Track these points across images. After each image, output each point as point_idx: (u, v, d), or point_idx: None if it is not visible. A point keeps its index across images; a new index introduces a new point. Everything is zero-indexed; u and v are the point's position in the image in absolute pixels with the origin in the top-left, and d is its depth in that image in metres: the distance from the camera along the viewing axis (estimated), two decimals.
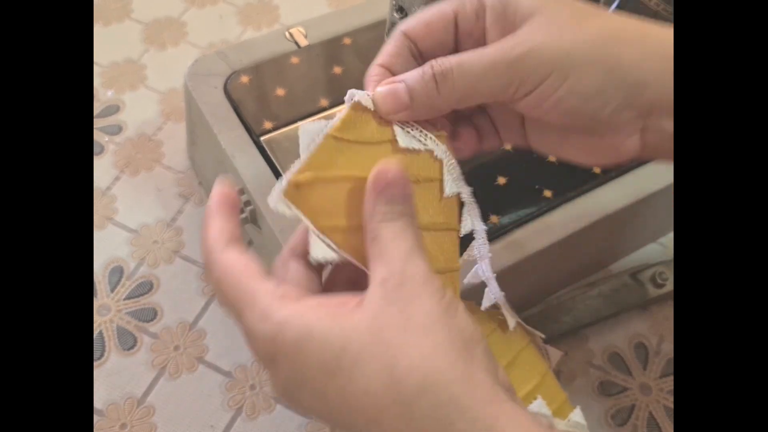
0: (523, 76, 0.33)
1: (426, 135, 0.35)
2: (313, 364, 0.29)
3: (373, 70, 0.36)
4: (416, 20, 0.36)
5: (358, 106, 0.34)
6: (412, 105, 0.34)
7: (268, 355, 0.30)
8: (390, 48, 0.36)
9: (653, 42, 0.34)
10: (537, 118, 0.36)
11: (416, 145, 0.35)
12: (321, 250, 0.32)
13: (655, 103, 0.34)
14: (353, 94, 0.35)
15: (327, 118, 0.36)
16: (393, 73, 0.36)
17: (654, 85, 0.34)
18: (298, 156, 0.33)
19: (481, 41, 0.36)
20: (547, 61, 0.33)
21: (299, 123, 0.54)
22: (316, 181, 0.32)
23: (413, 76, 0.34)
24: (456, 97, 0.34)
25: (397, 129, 0.35)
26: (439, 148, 0.36)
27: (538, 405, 0.44)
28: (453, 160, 0.36)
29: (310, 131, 0.33)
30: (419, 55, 0.36)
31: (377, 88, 0.35)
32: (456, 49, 0.36)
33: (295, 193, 0.32)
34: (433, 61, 0.34)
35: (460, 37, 0.36)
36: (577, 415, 0.42)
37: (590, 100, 0.34)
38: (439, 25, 0.36)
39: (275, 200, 0.32)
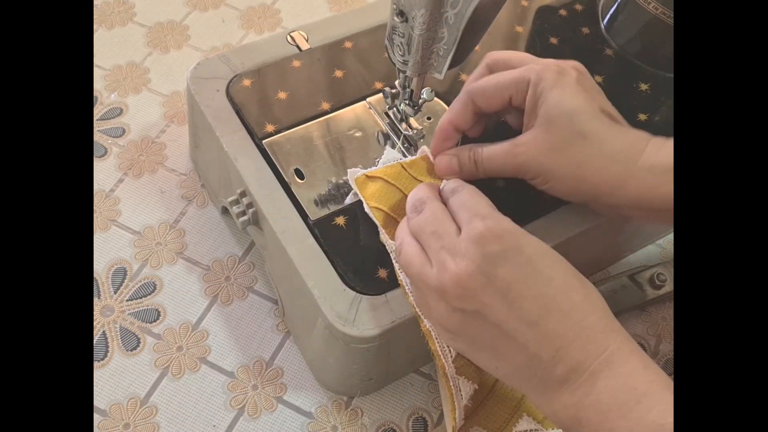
0: (522, 172, 0.49)
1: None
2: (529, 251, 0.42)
3: (443, 125, 0.50)
4: (481, 91, 0.49)
5: (426, 158, 0.52)
6: (460, 174, 0.50)
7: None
8: (457, 106, 0.50)
9: (620, 159, 0.47)
10: None
11: None
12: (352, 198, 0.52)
13: (620, 199, 0.47)
14: (424, 150, 0.52)
15: (404, 153, 0.54)
16: (457, 128, 0.50)
17: (616, 193, 0.47)
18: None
19: (528, 121, 0.49)
20: (536, 170, 0.48)
21: (301, 126, 0.55)
22: (377, 180, 0.50)
23: (462, 156, 0.50)
24: (487, 174, 0.50)
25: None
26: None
27: (527, 422, 0.46)
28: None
29: (392, 155, 0.52)
30: (479, 112, 0.50)
31: (438, 157, 0.51)
32: (506, 113, 0.51)
33: (363, 181, 0.50)
34: (473, 148, 0.50)
35: (512, 105, 0.49)
36: None
37: (567, 196, 0.50)
38: (496, 101, 0.49)
39: (351, 178, 0.50)
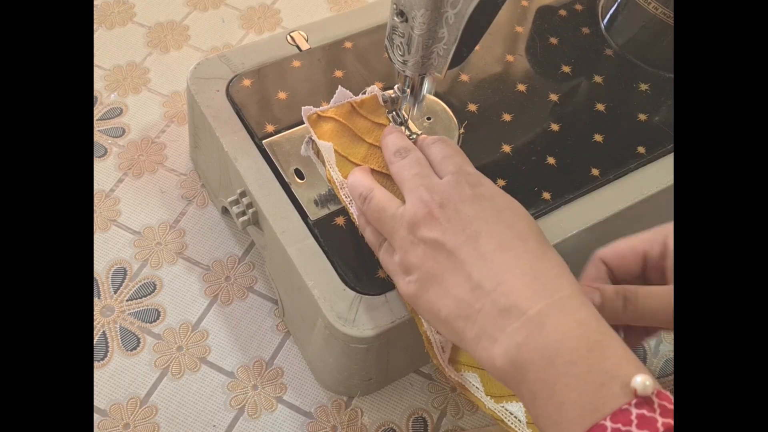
0: None
1: (410, 132, 0.52)
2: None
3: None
4: (612, 250, 0.45)
5: (375, 97, 0.53)
6: (601, 310, 0.40)
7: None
8: (590, 272, 0.45)
9: None
10: None
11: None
12: (305, 150, 0.53)
13: None
14: (374, 89, 0.53)
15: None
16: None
17: None
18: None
19: (664, 276, 0.44)
20: None
21: (301, 126, 0.55)
22: (329, 120, 0.52)
23: (608, 289, 0.43)
24: (633, 317, 0.42)
25: (390, 123, 0.53)
26: (413, 136, 0.52)
27: (517, 407, 0.46)
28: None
29: (344, 94, 0.52)
30: (613, 279, 0.45)
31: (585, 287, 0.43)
32: (643, 278, 0.45)
33: (316, 119, 0.52)
34: (625, 286, 0.43)
35: (647, 270, 0.45)
36: None
37: None
38: (631, 259, 0.45)
39: (304, 116, 0.51)
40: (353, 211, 0.50)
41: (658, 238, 0.45)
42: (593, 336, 0.36)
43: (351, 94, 0.54)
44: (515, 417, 0.46)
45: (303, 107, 0.52)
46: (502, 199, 0.43)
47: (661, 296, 0.42)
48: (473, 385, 0.46)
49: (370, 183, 0.47)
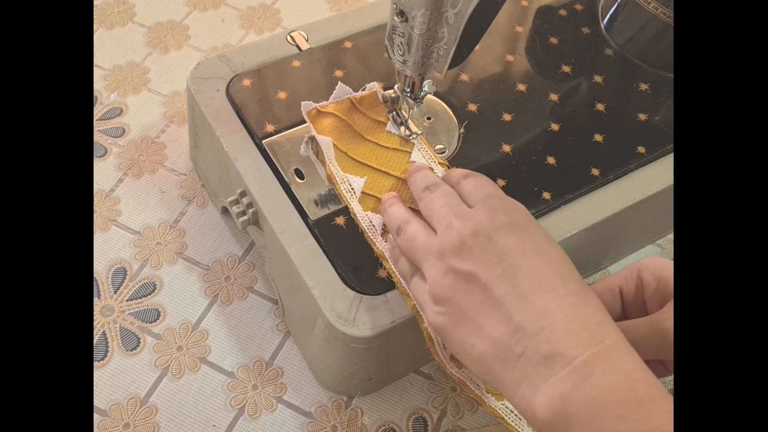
0: (667, 339, 0.41)
1: (409, 132, 0.54)
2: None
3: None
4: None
5: (374, 94, 0.54)
6: None
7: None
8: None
9: None
10: None
11: (395, 131, 0.54)
12: (304, 150, 0.53)
13: None
14: (374, 86, 0.55)
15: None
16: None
17: None
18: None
19: (644, 310, 0.44)
20: None
21: (301, 126, 0.55)
22: (329, 115, 0.53)
23: None
24: None
25: (390, 121, 0.54)
26: (412, 136, 0.54)
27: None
28: (422, 144, 0.53)
29: (344, 90, 0.54)
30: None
31: None
32: (623, 315, 0.45)
33: (315, 115, 0.53)
34: None
35: (626, 307, 0.45)
36: None
37: None
38: (608, 298, 0.45)
39: (304, 111, 0.53)
40: (354, 207, 0.50)
41: (632, 272, 0.45)
42: (642, 389, 0.35)
43: (351, 90, 0.54)
44: (516, 415, 0.46)
45: (303, 102, 0.52)
46: (537, 229, 0.42)
47: (638, 328, 0.42)
48: (474, 382, 0.47)
49: (408, 215, 0.46)
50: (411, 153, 0.53)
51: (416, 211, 0.49)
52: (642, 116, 0.59)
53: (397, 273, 0.47)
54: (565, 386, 0.35)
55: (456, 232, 0.41)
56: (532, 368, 0.37)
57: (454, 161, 0.55)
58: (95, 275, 0.58)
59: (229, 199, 0.54)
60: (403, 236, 0.45)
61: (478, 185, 0.44)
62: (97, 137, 0.66)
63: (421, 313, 0.46)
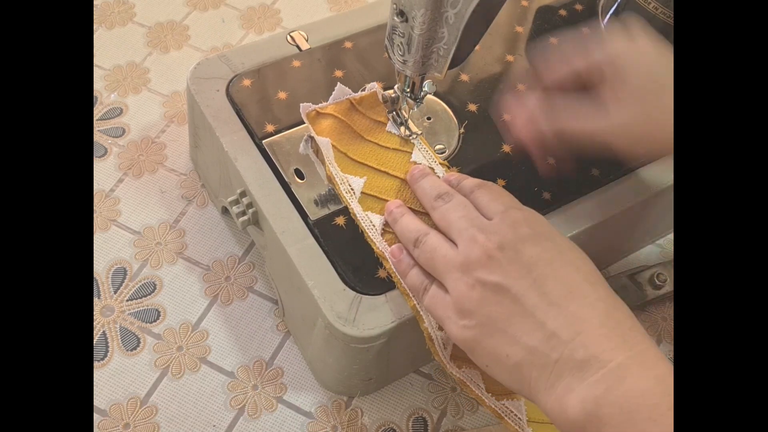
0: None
1: (409, 132, 0.54)
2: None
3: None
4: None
5: (374, 94, 0.55)
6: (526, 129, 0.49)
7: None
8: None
9: None
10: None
11: (395, 131, 0.54)
12: (303, 149, 0.53)
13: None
14: (374, 86, 0.55)
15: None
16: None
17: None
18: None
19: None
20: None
21: (301, 126, 0.55)
22: (328, 117, 0.53)
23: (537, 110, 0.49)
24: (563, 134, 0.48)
25: (390, 121, 0.54)
26: (412, 136, 0.54)
27: (518, 404, 0.45)
28: (422, 144, 0.54)
29: (343, 91, 0.54)
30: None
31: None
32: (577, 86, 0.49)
33: (314, 116, 0.53)
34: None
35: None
36: None
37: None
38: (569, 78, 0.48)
39: (303, 113, 0.53)
40: (353, 207, 0.50)
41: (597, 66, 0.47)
42: (673, 394, 0.35)
43: (350, 91, 0.54)
44: (516, 414, 0.46)
45: (301, 104, 0.52)
46: (559, 237, 0.43)
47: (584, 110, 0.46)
48: (474, 381, 0.47)
49: (425, 227, 0.46)
50: (411, 153, 0.53)
51: (418, 213, 0.49)
52: None
53: (407, 288, 0.47)
54: (599, 389, 0.36)
55: (481, 247, 0.41)
56: (568, 372, 0.38)
57: (454, 161, 0.55)
58: (95, 275, 0.58)
59: (229, 199, 0.54)
60: (422, 248, 0.45)
61: (494, 196, 0.45)
62: (97, 137, 0.66)
63: (433, 322, 0.46)
